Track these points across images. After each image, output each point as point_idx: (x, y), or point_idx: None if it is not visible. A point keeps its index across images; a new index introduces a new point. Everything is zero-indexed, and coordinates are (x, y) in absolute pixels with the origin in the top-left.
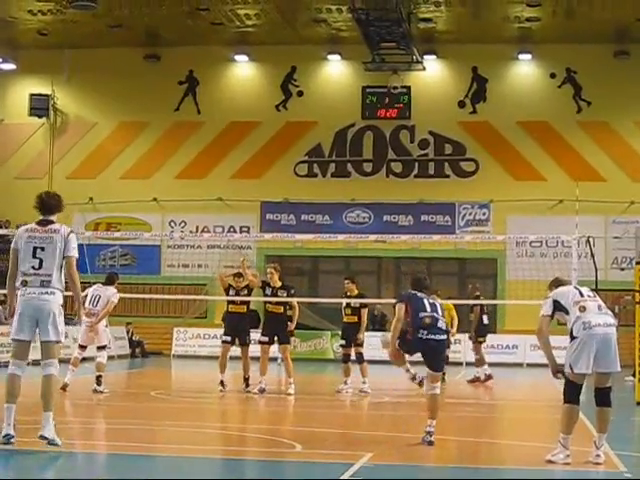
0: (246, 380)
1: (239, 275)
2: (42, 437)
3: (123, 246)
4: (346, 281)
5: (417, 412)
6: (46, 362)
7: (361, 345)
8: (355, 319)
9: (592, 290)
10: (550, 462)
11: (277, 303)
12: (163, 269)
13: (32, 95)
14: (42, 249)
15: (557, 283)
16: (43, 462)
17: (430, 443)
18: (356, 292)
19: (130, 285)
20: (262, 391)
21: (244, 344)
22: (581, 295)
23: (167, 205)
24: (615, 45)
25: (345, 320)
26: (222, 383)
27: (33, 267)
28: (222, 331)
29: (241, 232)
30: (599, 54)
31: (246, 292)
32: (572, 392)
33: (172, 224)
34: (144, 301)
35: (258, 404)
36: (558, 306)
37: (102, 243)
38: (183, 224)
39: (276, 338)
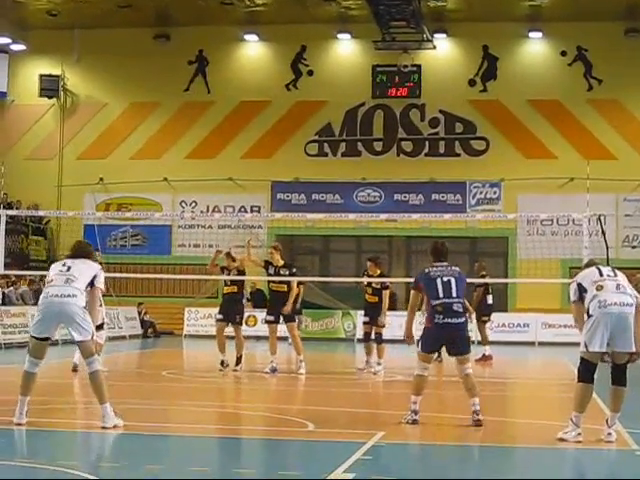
0: (238, 359)
1: (229, 255)
2: (104, 428)
3: (134, 226)
4: (368, 262)
5: (429, 390)
6: (88, 360)
7: (382, 326)
8: (376, 299)
9: (614, 269)
10: (562, 440)
11: (280, 282)
12: (174, 249)
13: (42, 76)
14: (70, 268)
15: (587, 265)
16: (54, 441)
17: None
18: (378, 272)
19: (141, 265)
20: (274, 370)
21: (235, 323)
22: (600, 275)
23: (178, 185)
24: (626, 23)
25: (367, 299)
26: (222, 363)
27: (60, 271)
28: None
29: (252, 212)
30: (610, 32)
31: (236, 272)
32: (586, 371)
33: (183, 204)
34: (155, 281)
35: (269, 383)
36: (582, 289)
37: (113, 224)
38: (194, 204)
39: (282, 317)
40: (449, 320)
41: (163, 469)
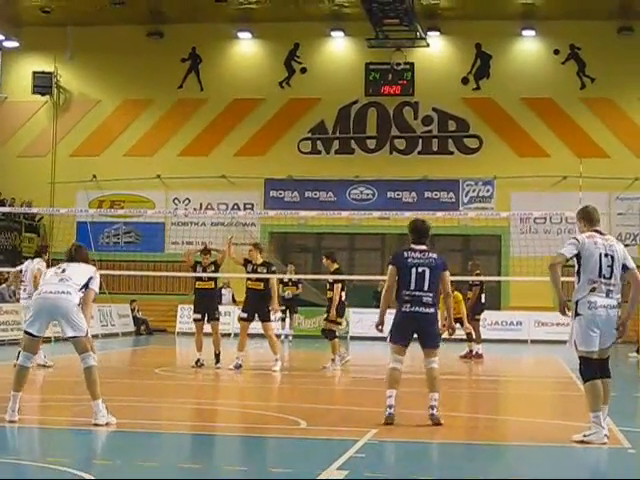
0: (217, 356)
1: (206, 252)
2: (96, 425)
3: (127, 224)
4: (324, 259)
5: (420, 389)
6: (82, 355)
7: (331, 321)
8: (331, 295)
9: (610, 266)
10: (583, 442)
11: (257, 280)
12: (167, 247)
13: (35, 73)
14: (68, 268)
15: (587, 217)
16: (46, 438)
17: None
18: (333, 268)
19: (134, 262)
20: (238, 367)
21: (213, 320)
22: (599, 273)
23: (171, 182)
24: (619, 21)
25: (327, 295)
26: (198, 361)
27: (56, 272)
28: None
29: (245, 209)
30: (603, 30)
31: (213, 268)
32: (588, 369)
33: (176, 201)
34: (148, 279)
35: (262, 381)
36: (578, 256)
37: (106, 221)
38: (187, 201)
39: (257, 315)
40: (417, 309)
41: (156, 466)
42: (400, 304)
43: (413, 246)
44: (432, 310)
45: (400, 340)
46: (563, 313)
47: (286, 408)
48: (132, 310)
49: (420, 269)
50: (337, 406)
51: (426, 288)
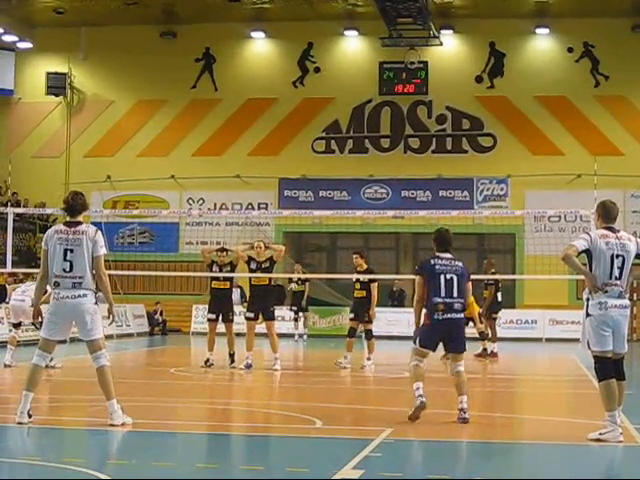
0: (231, 356)
1: (222, 250)
2: (112, 425)
3: (141, 224)
4: (355, 255)
5: (437, 387)
6: (95, 355)
7: (370, 322)
8: (364, 294)
9: (620, 268)
10: (599, 440)
11: (262, 272)
12: (181, 247)
13: (49, 74)
14: (72, 251)
15: (605, 213)
16: (62, 439)
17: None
18: (365, 267)
19: (149, 263)
20: (249, 367)
21: (228, 321)
22: (610, 275)
23: (185, 182)
24: (633, 19)
25: (355, 295)
26: (207, 361)
27: (64, 270)
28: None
29: (259, 209)
30: (616, 28)
31: (229, 268)
32: (603, 368)
33: (190, 201)
34: (163, 279)
35: (277, 381)
36: (588, 254)
37: (120, 221)
38: (201, 201)
39: (261, 315)
40: (449, 315)
41: (172, 466)
42: (432, 312)
43: (438, 254)
44: (461, 316)
45: (429, 345)
46: (596, 289)
47: (301, 407)
48: (155, 312)
49: (448, 276)
50: (352, 405)
51: (455, 294)
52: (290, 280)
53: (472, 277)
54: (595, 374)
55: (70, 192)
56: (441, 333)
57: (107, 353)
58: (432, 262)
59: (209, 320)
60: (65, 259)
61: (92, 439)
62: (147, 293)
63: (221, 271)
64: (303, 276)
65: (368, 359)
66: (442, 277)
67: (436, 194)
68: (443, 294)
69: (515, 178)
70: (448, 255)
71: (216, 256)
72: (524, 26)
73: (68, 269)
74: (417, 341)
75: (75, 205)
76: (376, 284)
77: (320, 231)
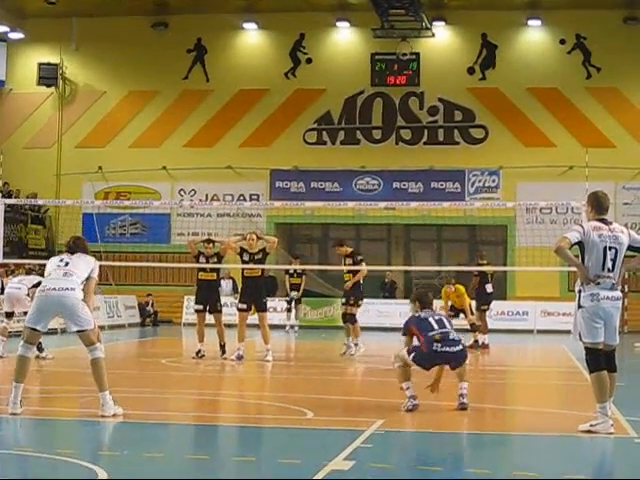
0: (222, 347)
1: (209, 241)
2: (103, 416)
3: (133, 215)
4: (336, 248)
5: (428, 379)
6: (89, 348)
7: (353, 305)
8: (351, 277)
9: (613, 259)
10: (590, 432)
11: (255, 263)
12: (173, 238)
13: (40, 64)
14: (70, 261)
15: (597, 204)
16: (53, 429)
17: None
18: (349, 250)
19: (140, 254)
20: (240, 358)
21: (215, 311)
22: (602, 267)
23: (177, 173)
24: (625, 11)
25: (345, 279)
26: (198, 352)
27: (58, 266)
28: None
29: (251, 200)
30: (609, 20)
31: (216, 260)
32: (593, 359)
33: (182, 192)
34: (154, 270)
35: (268, 372)
36: (580, 246)
37: (112, 212)
38: (193, 192)
39: (254, 306)
40: (447, 349)
41: (163, 457)
42: (429, 343)
43: (420, 311)
44: (460, 347)
45: (425, 367)
46: (588, 281)
47: (293, 399)
48: (147, 303)
49: (436, 317)
50: (344, 396)
51: (448, 327)
52: (292, 289)
53: (461, 268)
54: (586, 366)
55: (71, 237)
56: (437, 362)
57: (102, 346)
58: (416, 314)
59: (196, 311)
60: (61, 260)
61: (83, 430)
62: (138, 284)
63: (208, 262)
64: (299, 267)
65: (355, 344)
66: (431, 318)
67: (428, 185)
68: (436, 327)
69: (507, 170)
70: (430, 312)
71: (203, 247)
72: (516, 18)
73: (63, 265)
74: (410, 357)
75: (76, 248)
76: (364, 264)
77: (312, 222)
